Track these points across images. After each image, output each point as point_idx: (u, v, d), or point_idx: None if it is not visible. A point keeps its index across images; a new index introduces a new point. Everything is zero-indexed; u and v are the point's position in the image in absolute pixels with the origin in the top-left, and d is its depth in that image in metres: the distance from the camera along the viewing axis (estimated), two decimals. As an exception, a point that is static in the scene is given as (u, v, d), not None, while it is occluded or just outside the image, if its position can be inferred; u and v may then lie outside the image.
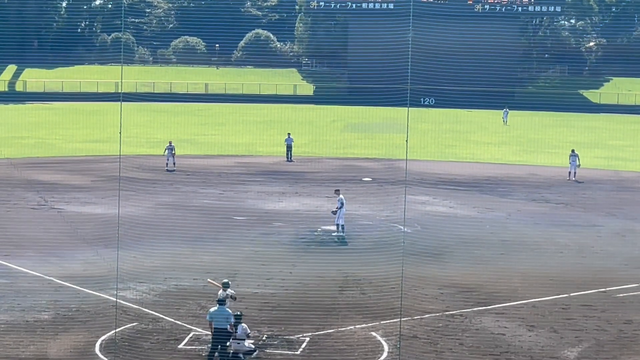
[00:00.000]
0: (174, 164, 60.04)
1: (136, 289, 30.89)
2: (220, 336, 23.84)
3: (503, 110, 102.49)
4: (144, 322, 27.55)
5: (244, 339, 23.89)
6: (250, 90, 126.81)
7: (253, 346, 24.35)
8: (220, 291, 25.25)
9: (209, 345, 24.39)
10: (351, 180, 56.87)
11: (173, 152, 60.29)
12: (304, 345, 25.82)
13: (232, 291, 25.76)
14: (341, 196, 41.39)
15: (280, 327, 27.15)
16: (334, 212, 40.97)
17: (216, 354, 23.97)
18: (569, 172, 59.45)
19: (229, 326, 23.76)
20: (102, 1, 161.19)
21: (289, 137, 67.65)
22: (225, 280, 25.96)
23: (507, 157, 71.88)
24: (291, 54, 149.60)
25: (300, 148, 69.46)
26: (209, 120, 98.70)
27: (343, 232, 40.81)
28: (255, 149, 73.05)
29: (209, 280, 27.73)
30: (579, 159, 59.59)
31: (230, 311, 24.14)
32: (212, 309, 24.32)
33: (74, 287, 31.22)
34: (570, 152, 60.23)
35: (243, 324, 24.07)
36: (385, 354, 25.38)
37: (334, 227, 41.11)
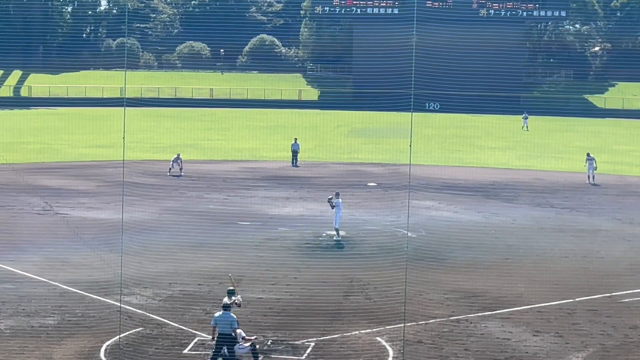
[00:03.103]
0: (181, 169, 59.96)
1: (141, 294, 30.91)
2: (223, 341, 23.82)
3: (522, 116, 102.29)
4: (148, 328, 27.54)
5: (239, 340, 23.77)
6: (255, 95, 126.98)
7: (248, 345, 24.08)
8: (225, 298, 25.28)
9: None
10: (356, 185, 56.86)
11: (179, 161, 60.25)
12: (308, 350, 25.79)
13: (240, 297, 25.73)
14: (339, 199, 41.35)
15: (285, 332, 27.14)
16: (329, 202, 41.12)
17: (219, 359, 23.93)
18: (588, 176, 59.68)
19: (232, 332, 23.74)
20: (107, 6, 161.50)
21: (295, 142, 67.64)
22: (231, 288, 25.96)
23: (512, 162, 71.81)
24: (296, 59, 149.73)
25: (305, 153, 69.47)
26: (213, 125, 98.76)
27: (338, 236, 40.79)
28: (260, 154, 73.09)
29: (230, 275, 27.70)
30: (595, 162, 59.92)
31: (234, 316, 24.11)
32: (216, 314, 24.31)
33: (79, 292, 31.23)
34: (586, 156, 60.44)
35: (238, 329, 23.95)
36: (390, 359, 25.36)
37: (335, 232, 41.08)
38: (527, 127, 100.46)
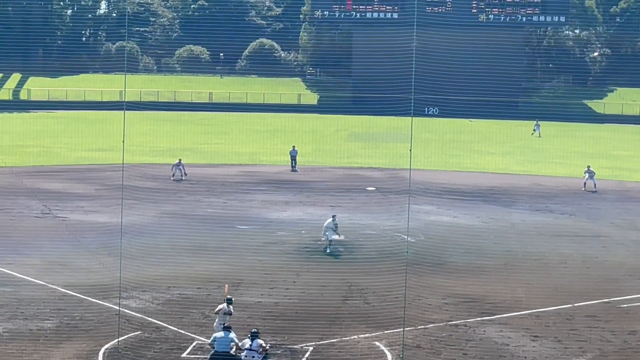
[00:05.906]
0: (183, 174, 59.58)
1: (139, 298, 30.90)
2: (218, 359, 23.69)
3: (535, 123, 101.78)
4: (147, 331, 27.54)
5: (258, 350, 23.70)
6: (255, 99, 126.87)
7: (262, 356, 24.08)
8: (224, 305, 25.27)
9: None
10: (355, 189, 56.85)
11: (182, 167, 60.01)
12: (307, 354, 25.79)
13: (231, 308, 25.75)
14: (336, 222, 40.38)
15: (284, 337, 27.13)
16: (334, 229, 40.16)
17: None
18: (584, 184, 59.28)
19: (230, 350, 23.63)
20: (106, 10, 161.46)
21: (293, 149, 67.44)
22: (229, 297, 25.94)
23: (511, 167, 71.81)
24: (295, 63, 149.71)
25: (304, 157, 69.45)
26: (213, 129, 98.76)
27: (330, 243, 39.95)
28: (259, 158, 73.05)
29: (226, 285, 27.83)
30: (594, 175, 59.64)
31: (234, 334, 23.97)
32: (217, 334, 24.14)
33: (78, 296, 31.23)
34: (586, 169, 60.08)
35: (258, 340, 23.90)
36: (388, 364, 25.36)
37: (337, 237, 40.42)
38: (538, 133, 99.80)
